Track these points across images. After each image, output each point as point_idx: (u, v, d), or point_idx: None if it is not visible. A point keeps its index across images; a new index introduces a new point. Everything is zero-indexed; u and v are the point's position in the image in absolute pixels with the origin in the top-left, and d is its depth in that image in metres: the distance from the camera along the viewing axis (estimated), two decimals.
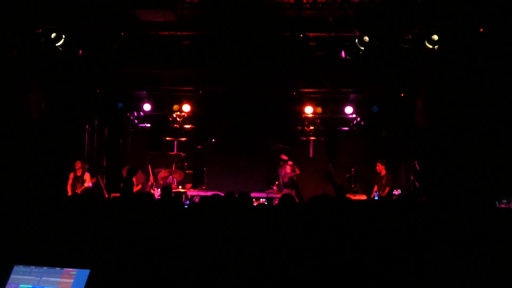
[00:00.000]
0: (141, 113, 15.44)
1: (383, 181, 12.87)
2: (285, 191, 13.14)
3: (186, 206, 8.91)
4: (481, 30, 10.67)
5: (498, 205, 8.18)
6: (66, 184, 12.52)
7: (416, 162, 13.48)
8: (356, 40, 11.00)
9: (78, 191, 12.28)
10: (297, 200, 6.54)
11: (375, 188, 12.89)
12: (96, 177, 12.56)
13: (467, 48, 11.02)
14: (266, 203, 11.45)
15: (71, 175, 12.57)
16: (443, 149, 12.26)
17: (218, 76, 14.14)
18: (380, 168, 12.94)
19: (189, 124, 15.42)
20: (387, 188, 12.67)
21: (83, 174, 12.50)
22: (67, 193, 12.37)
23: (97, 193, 11.89)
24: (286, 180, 13.74)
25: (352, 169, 14.35)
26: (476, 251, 4.29)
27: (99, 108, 14.70)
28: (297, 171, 13.81)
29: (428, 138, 12.79)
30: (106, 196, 12.18)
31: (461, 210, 5.82)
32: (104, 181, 14.03)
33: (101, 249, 4.34)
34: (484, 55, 11.01)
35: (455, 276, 4.09)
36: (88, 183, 12.40)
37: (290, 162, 13.93)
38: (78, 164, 12.56)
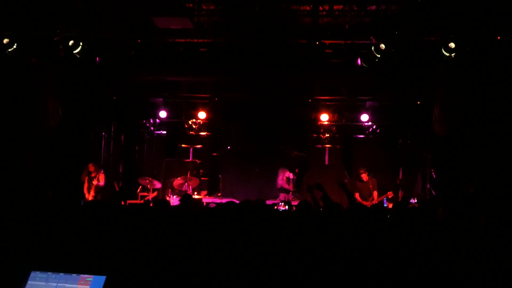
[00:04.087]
0: (157, 120, 15.49)
1: (370, 186, 12.88)
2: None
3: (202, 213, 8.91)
4: (498, 38, 10.60)
5: None
6: (83, 188, 12.57)
7: (432, 170, 13.39)
8: (373, 48, 10.96)
9: (92, 191, 12.32)
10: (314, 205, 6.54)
11: (357, 195, 12.82)
12: (112, 183, 12.60)
13: (484, 56, 10.94)
14: (286, 207, 11.40)
15: (86, 179, 12.62)
16: (460, 157, 12.17)
17: (234, 83, 14.18)
18: (364, 176, 12.94)
19: (205, 131, 15.44)
20: (375, 192, 12.77)
21: (97, 175, 12.54)
22: (85, 196, 12.41)
23: (113, 199, 11.95)
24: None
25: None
26: (493, 260, 4.25)
27: (116, 115, 14.78)
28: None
29: (445, 146, 12.71)
30: (122, 202, 12.21)
31: (477, 219, 5.78)
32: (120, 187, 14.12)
33: (118, 255, 4.35)
34: (501, 63, 10.93)
35: (470, 285, 4.05)
36: (101, 182, 12.46)
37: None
38: (91, 167, 12.58)
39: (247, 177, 14.60)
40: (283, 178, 13.35)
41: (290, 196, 13.48)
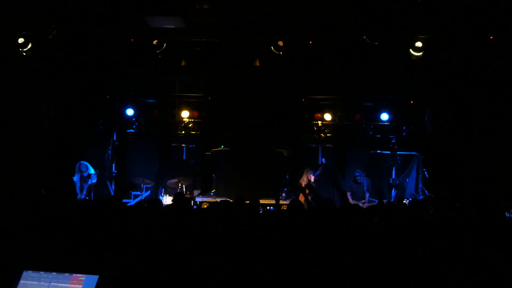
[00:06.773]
0: (151, 119, 15.44)
1: (364, 188, 12.93)
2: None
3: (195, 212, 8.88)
4: (491, 37, 10.63)
5: (507, 215, 8.12)
6: (75, 187, 12.58)
7: (425, 170, 13.42)
8: (366, 47, 10.97)
9: (85, 191, 12.34)
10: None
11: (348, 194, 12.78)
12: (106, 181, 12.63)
13: (478, 56, 10.98)
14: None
15: (78, 178, 12.63)
16: (453, 157, 12.21)
17: (228, 83, 14.15)
18: (359, 178, 12.97)
19: (198, 131, 15.41)
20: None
21: (90, 174, 12.55)
22: (77, 196, 12.42)
23: (106, 199, 11.93)
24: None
25: None
26: (484, 261, 4.26)
27: (109, 114, 14.73)
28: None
29: (437, 146, 12.75)
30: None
31: (470, 219, 5.80)
32: (113, 187, 14.10)
33: (110, 255, 4.34)
34: (495, 63, 10.97)
35: (462, 284, 4.07)
36: (93, 182, 12.49)
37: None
38: (83, 167, 12.60)
39: (241, 176, 14.55)
40: (306, 180, 13.22)
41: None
